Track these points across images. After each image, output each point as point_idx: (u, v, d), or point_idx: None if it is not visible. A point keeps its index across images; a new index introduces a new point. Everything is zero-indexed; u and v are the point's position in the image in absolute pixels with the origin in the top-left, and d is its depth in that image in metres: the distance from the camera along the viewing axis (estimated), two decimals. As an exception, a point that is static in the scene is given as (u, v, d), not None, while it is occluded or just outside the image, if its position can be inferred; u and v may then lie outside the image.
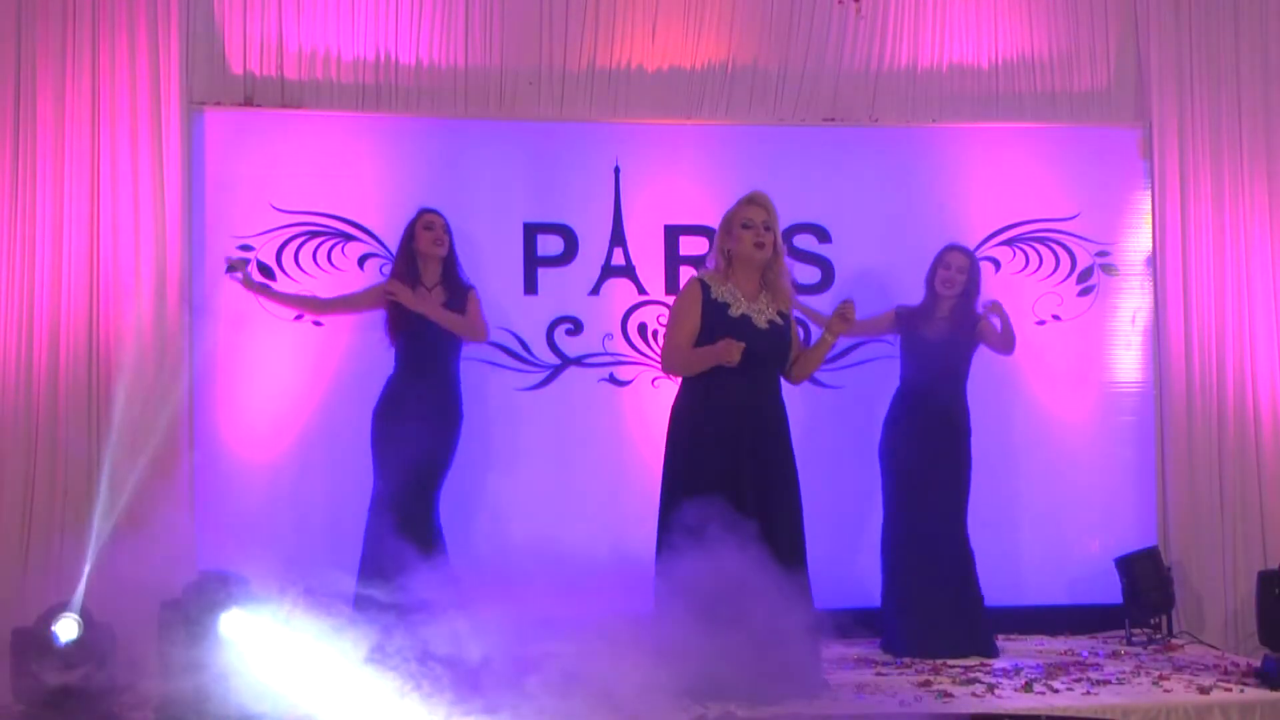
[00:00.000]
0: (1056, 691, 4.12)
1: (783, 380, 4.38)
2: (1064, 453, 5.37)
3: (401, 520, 4.66)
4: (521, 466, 5.26)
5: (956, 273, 4.86)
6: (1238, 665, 4.53)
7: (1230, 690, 4.11)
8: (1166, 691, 4.12)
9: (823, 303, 5.22)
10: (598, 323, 5.38)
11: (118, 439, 5.30)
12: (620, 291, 5.42)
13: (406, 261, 4.94)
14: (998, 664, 4.54)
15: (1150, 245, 5.41)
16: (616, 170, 5.42)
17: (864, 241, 5.42)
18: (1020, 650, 4.85)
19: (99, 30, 5.13)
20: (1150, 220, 5.42)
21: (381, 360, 4.98)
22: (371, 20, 5.34)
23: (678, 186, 5.43)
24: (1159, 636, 5.07)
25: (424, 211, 4.99)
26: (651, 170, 5.44)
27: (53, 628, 4.14)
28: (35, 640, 4.11)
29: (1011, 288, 5.30)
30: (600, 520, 5.21)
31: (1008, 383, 5.31)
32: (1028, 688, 4.16)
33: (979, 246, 5.37)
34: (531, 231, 5.38)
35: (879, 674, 4.41)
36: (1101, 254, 5.42)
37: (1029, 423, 5.38)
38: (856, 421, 5.11)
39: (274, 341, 5.23)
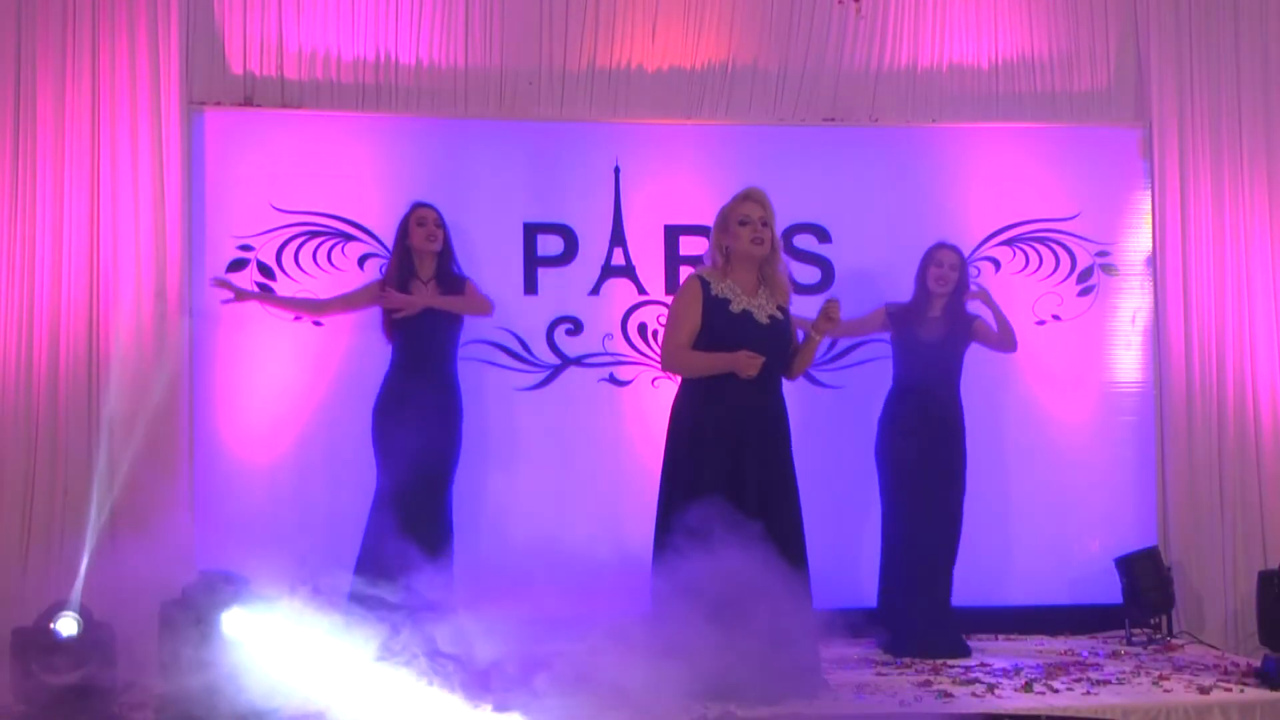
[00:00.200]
0: (1056, 691, 4.12)
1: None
2: (1064, 453, 5.37)
3: (410, 516, 4.64)
4: (521, 466, 5.25)
5: (949, 270, 4.86)
6: (1238, 665, 4.53)
7: (1230, 690, 4.11)
8: (1166, 691, 4.12)
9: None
10: (598, 323, 5.38)
11: (117, 438, 5.31)
12: (620, 291, 5.42)
13: (401, 257, 4.94)
14: (998, 664, 4.54)
15: (1150, 245, 5.41)
16: (616, 170, 5.43)
17: (863, 241, 5.42)
18: (1020, 650, 4.85)
19: (99, 30, 5.13)
20: (1150, 220, 5.42)
21: (381, 358, 4.98)
22: (371, 20, 5.34)
23: (678, 186, 5.43)
24: (1159, 636, 5.07)
25: (417, 206, 4.98)
26: (652, 170, 5.44)
27: (53, 625, 4.14)
28: (35, 640, 4.11)
29: (1011, 288, 5.31)
30: (600, 520, 5.21)
31: (1008, 383, 5.31)
32: (1028, 688, 4.16)
33: (979, 246, 5.38)
34: (531, 231, 5.38)
35: (879, 674, 4.41)
36: (1101, 254, 5.42)
37: (1029, 422, 5.38)
38: (855, 421, 5.11)
39: (274, 341, 5.23)
